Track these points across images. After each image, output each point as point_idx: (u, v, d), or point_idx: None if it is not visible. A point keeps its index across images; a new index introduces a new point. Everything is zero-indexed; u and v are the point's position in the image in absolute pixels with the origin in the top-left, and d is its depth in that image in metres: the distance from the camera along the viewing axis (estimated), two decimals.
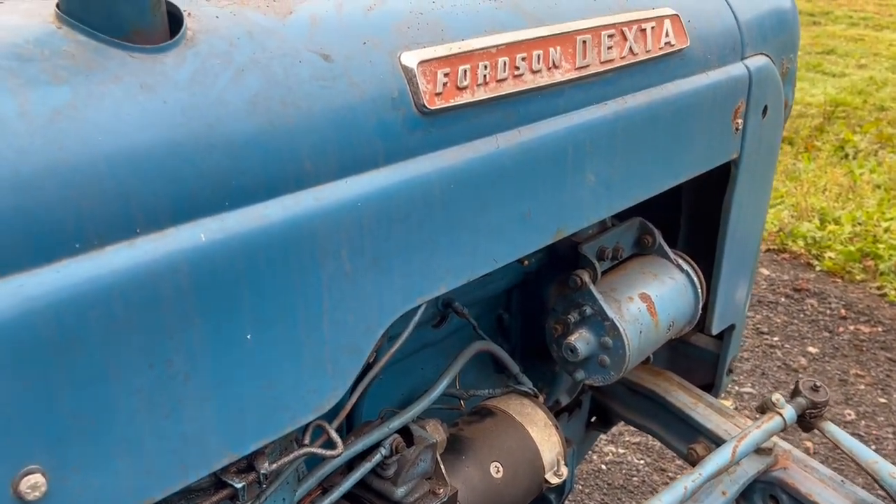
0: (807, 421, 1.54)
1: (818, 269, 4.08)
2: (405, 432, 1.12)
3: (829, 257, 4.11)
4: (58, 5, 0.67)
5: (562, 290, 1.38)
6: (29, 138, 0.60)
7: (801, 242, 4.26)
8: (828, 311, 3.72)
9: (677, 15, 1.19)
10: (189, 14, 0.73)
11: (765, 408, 1.53)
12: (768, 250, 4.25)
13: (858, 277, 3.97)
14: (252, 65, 0.73)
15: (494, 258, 0.97)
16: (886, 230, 4.26)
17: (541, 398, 1.36)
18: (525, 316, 1.50)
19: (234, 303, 0.69)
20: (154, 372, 0.68)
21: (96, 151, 0.62)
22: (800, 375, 3.18)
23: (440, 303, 1.31)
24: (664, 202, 1.43)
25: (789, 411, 1.51)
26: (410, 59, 0.84)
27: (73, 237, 0.61)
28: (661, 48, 1.17)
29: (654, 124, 1.17)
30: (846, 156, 5.66)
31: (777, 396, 1.52)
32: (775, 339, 3.52)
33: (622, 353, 1.34)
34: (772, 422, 1.50)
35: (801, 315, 3.68)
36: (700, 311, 1.50)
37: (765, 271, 4.08)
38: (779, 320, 3.63)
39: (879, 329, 3.57)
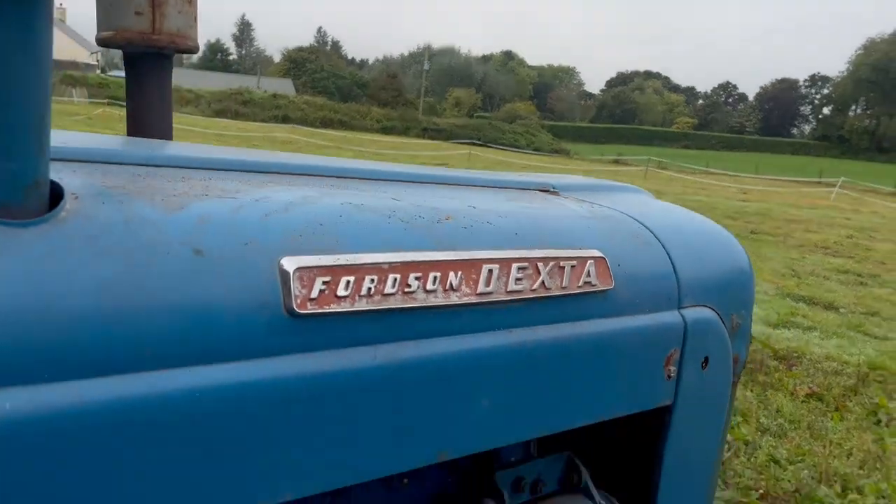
0: None
1: None
2: None
3: None
4: None
5: None
6: None
7: None
8: None
9: (603, 257, 1.18)
10: (75, 197, 0.76)
11: None
12: None
13: None
14: (115, 250, 0.74)
15: (358, 472, 0.90)
16: None
17: None
18: None
19: (31, 480, 0.66)
20: None
21: None
22: None
23: None
24: (607, 441, 1.48)
25: None
26: (290, 263, 0.83)
27: None
28: (580, 286, 1.13)
29: (566, 359, 1.12)
30: (878, 422, 5.29)
31: None
32: None
33: None
34: None
35: None
36: None
37: None
38: None
39: None
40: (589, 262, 1.17)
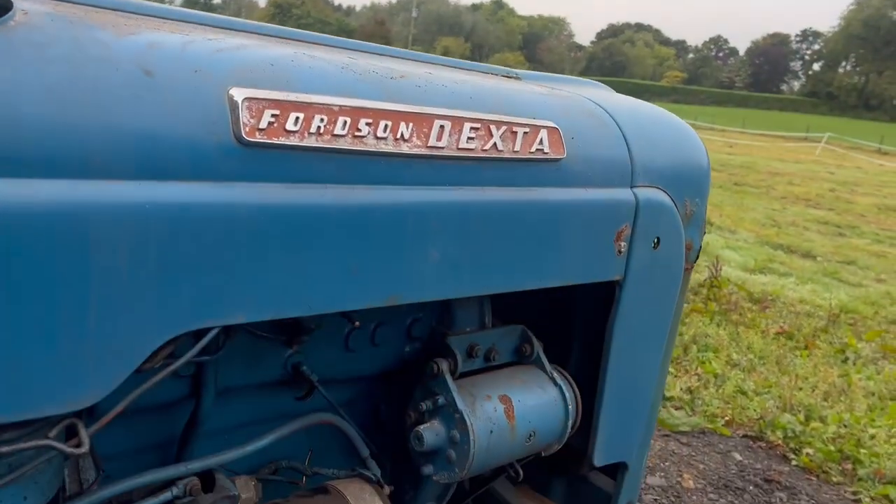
0: None
1: (794, 463, 3.84)
2: (208, 479, 1.06)
3: (808, 454, 3.89)
4: None
5: (422, 378, 1.34)
6: None
7: (779, 434, 4.07)
8: None
9: (557, 128, 1.21)
10: (25, 13, 0.77)
11: None
12: (745, 436, 4.11)
13: (835, 479, 3.70)
14: (63, 60, 0.75)
15: (309, 304, 0.94)
16: (872, 437, 4.09)
17: (386, 489, 1.28)
18: (403, 411, 1.39)
19: None
20: None
21: None
22: None
23: (289, 365, 1.25)
24: (562, 319, 1.52)
25: None
26: (239, 93, 0.85)
27: None
28: (531, 152, 1.16)
29: (516, 222, 1.16)
30: (846, 359, 5.52)
31: None
32: None
33: (467, 449, 1.27)
34: None
35: None
36: (570, 431, 1.44)
37: (737, 456, 3.87)
38: None
39: None
40: (542, 130, 1.19)
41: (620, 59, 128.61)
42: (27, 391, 0.75)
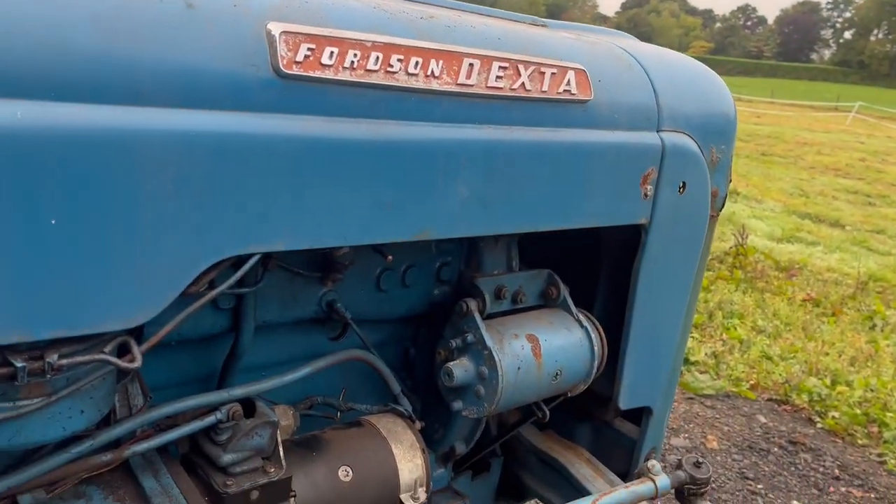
0: (685, 496, 1.53)
1: (819, 426, 3.85)
2: (249, 407, 1.10)
3: (833, 416, 3.89)
4: None
5: (452, 317, 1.38)
6: None
7: (805, 397, 4.09)
8: (821, 469, 3.46)
9: (584, 70, 1.21)
10: None
11: (641, 473, 1.51)
12: (770, 399, 4.11)
13: (860, 441, 3.72)
14: None
15: (344, 234, 0.97)
16: None
17: (417, 424, 1.32)
18: (431, 353, 1.43)
19: (40, 184, 0.71)
20: None
21: None
22: None
23: (323, 302, 1.29)
24: (589, 264, 1.55)
25: (663, 480, 1.48)
26: (276, 27, 0.88)
27: None
28: (558, 93, 1.18)
29: (544, 162, 1.17)
30: (873, 326, 5.44)
31: (653, 463, 1.51)
32: (759, 486, 3.27)
33: (495, 384, 1.29)
34: (642, 486, 1.46)
35: (793, 468, 3.44)
36: (595, 372, 1.45)
37: (762, 419, 3.89)
38: (767, 469, 3.40)
39: (872, 495, 3.29)
40: (569, 72, 1.21)
41: (646, 29, 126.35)
42: (86, 308, 0.79)
